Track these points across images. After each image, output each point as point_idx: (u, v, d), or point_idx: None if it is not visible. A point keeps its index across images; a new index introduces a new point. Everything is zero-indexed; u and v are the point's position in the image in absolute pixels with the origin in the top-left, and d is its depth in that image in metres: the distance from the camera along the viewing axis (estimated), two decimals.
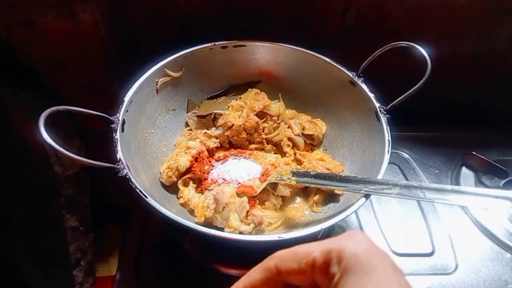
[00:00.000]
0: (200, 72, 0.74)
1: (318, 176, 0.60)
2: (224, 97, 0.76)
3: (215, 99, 0.76)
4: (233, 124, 0.69)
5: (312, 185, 0.60)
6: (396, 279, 0.24)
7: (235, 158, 0.68)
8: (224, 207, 0.59)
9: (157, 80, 0.68)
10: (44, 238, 0.75)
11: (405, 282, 0.24)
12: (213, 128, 0.72)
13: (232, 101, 0.73)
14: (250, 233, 0.59)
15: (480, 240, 0.74)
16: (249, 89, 0.75)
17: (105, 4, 0.64)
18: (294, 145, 0.72)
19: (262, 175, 0.63)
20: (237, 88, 0.77)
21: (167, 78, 0.69)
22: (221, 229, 0.59)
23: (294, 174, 0.62)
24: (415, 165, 0.86)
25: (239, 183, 0.63)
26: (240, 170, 0.65)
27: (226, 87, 0.77)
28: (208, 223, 0.60)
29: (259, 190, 0.62)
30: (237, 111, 0.71)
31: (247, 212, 0.60)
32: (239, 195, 0.61)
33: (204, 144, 0.69)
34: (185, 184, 0.66)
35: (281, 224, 0.62)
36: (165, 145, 0.71)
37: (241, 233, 0.58)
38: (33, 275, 0.77)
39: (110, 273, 0.88)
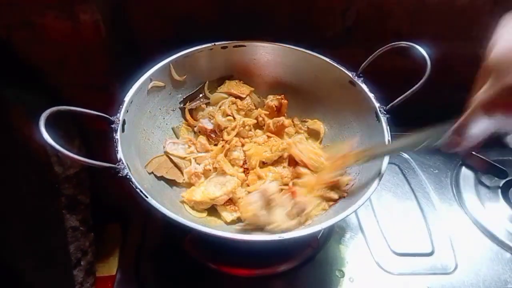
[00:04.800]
0: (200, 72, 0.74)
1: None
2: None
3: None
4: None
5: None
6: None
7: None
8: (269, 203, 0.58)
9: (156, 80, 0.68)
10: (45, 238, 0.75)
11: None
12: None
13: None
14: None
15: (480, 240, 0.74)
16: (226, 81, 0.76)
17: (105, 5, 0.64)
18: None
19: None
20: (212, 84, 0.77)
21: (167, 79, 0.69)
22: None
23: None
24: (415, 165, 0.86)
25: None
26: None
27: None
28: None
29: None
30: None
31: (292, 203, 0.59)
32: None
33: (205, 145, 0.70)
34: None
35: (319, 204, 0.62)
36: None
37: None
38: (33, 275, 0.77)
39: (110, 273, 0.88)
